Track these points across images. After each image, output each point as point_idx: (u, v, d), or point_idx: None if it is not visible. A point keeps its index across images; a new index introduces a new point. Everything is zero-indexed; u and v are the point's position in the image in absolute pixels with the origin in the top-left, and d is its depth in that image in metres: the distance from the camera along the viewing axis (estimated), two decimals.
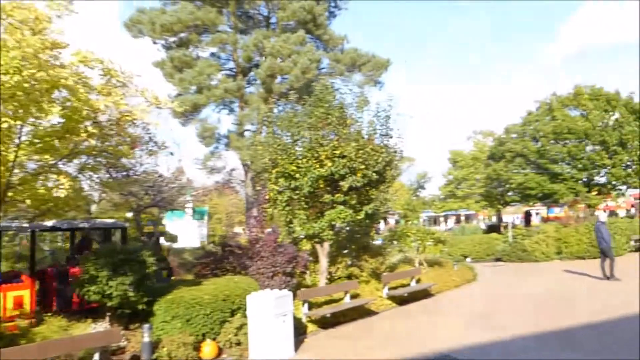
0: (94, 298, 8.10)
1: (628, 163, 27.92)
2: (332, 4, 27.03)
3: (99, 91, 7.70)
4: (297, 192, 12.10)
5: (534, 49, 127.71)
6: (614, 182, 28.83)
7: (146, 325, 7.71)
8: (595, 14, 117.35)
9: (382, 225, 39.39)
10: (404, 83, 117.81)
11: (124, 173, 9.47)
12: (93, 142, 7.98)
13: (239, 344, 8.65)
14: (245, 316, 8.74)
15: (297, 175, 11.82)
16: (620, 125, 27.63)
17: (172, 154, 10.33)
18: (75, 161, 8.88)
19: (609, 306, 11.22)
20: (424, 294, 13.90)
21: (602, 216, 17.91)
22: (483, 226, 38.22)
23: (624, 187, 30.59)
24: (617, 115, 28.59)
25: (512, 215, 49.82)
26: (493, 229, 33.05)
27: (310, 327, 10.28)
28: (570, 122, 28.17)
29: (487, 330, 9.62)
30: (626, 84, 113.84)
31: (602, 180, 29.51)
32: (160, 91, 8.61)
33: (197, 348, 8.26)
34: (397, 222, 43.15)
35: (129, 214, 12.89)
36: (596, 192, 29.83)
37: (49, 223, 10.14)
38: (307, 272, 13.16)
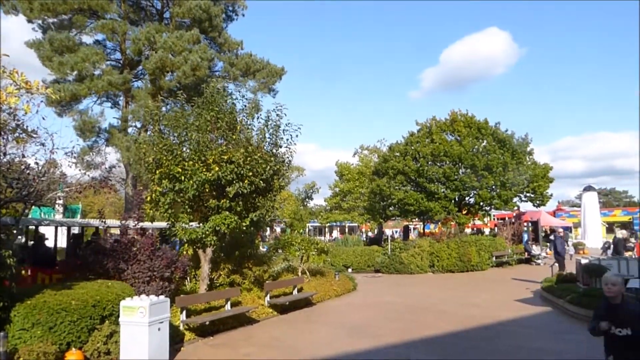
0: None
1: (493, 187, 30.77)
2: (230, 8, 26.72)
3: None
4: (182, 195, 11.67)
5: (418, 71, 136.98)
6: (481, 203, 31.57)
7: (0, 334, 6.89)
8: (471, 46, 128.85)
9: (268, 232, 39.44)
10: (299, 95, 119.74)
11: None
12: None
13: (108, 353, 8.04)
14: (117, 323, 8.17)
15: (182, 178, 11.40)
16: (488, 152, 30.45)
17: (43, 144, 9.37)
18: None
19: (470, 316, 12.21)
20: (306, 303, 14.07)
21: (560, 231, 20.64)
22: (365, 238, 39.78)
23: (488, 208, 33.62)
24: (485, 142, 31.48)
25: (392, 229, 52.66)
26: (374, 241, 34.51)
27: (188, 335, 9.90)
28: (447, 146, 30.41)
29: (364, 339, 9.96)
30: (494, 114, 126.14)
31: (471, 200, 32.19)
32: (31, 75, 7.75)
33: (60, 358, 7.54)
34: (283, 230, 43.50)
35: None
36: (465, 212, 32.48)
37: None
38: (187, 278, 12.70)
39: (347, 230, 53.54)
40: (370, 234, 44.86)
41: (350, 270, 23.61)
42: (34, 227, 13.90)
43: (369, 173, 37.66)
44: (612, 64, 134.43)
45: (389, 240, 25.73)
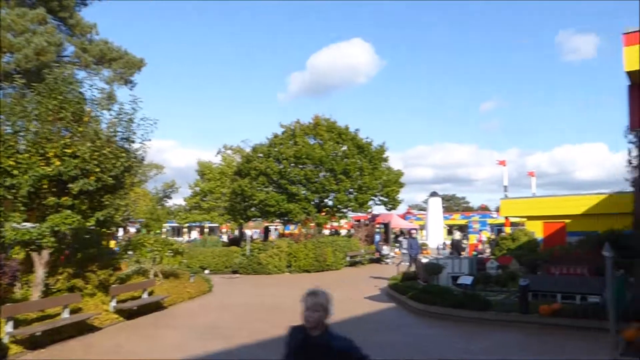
0: None
1: (350, 190, 32.36)
2: None
3: None
4: (14, 191, 10.42)
5: (286, 74, 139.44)
6: (338, 206, 33.00)
7: None
8: (336, 54, 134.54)
9: (121, 233, 37.00)
10: (162, 90, 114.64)
11: None
12: None
13: None
14: None
15: (15, 172, 10.20)
16: (347, 157, 31.98)
17: None
18: None
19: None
20: (156, 307, 13.43)
21: (414, 233, 22.15)
22: (225, 239, 39.27)
23: (346, 210, 35.27)
24: (345, 147, 33.01)
25: (253, 229, 52.72)
26: (234, 242, 34.27)
27: (14, 349, 8.82)
28: (309, 149, 31.29)
29: (215, 340, 9.77)
30: (355, 121, 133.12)
31: (330, 203, 33.49)
32: None
33: None
34: (138, 230, 41.15)
35: None
36: (324, 213, 33.69)
37: None
38: (18, 284, 11.36)
39: (207, 230, 52.37)
40: (229, 234, 44.44)
41: (207, 271, 23.12)
42: None
43: (231, 173, 37.26)
44: (451, 81, 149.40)
45: (248, 241, 25.70)
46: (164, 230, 46.09)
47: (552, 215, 24.30)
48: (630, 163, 8.81)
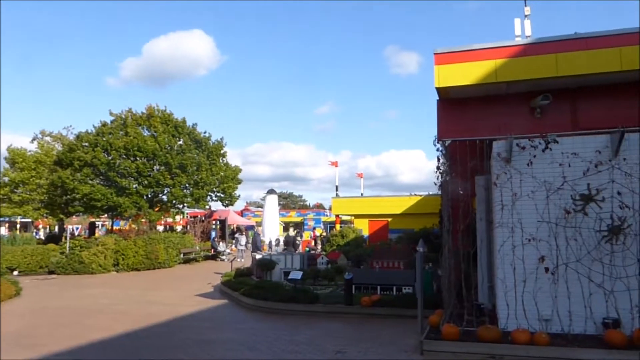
0: None
1: (186, 185, 31.38)
2: None
3: None
4: None
5: (119, 58, 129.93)
6: (174, 201, 31.80)
7: None
8: (176, 44, 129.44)
9: None
10: None
11: None
12: None
13: None
14: None
15: None
16: (183, 151, 30.96)
17: None
18: None
19: (149, 314, 12.05)
20: None
21: (259, 229, 22.01)
22: (41, 236, 35.22)
23: (182, 206, 34.13)
24: (181, 141, 31.94)
25: (76, 225, 48.15)
26: (53, 239, 31.05)
27: None
28: (141, 140, 29.59)
29: (20, 352, 8.66)
30: (193, 114, 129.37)
31: (165, 198, 32.11)
32: None
33: None
34: None
35: None
36: (158, 209, 32.17)
37: None
38: None
39: (18, 226, 46.43)
40: (47, 230, 39.93)
41: (15, 273, 20.51)
42: None
43: (50, 162, 33.50)
44: (289, 83, 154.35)
45: (68, 238, 23.42)
46: None
47: (376, 214, 26.54)
48: (439, 169, 9.98)
